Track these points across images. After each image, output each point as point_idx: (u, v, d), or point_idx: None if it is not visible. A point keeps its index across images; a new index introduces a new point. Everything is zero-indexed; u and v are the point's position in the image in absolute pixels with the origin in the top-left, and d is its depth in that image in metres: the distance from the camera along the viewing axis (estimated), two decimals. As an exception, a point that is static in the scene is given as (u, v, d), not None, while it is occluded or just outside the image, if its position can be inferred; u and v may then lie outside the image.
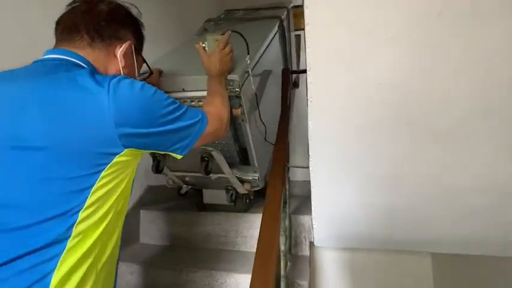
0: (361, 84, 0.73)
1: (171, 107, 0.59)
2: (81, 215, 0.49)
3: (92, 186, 0.50)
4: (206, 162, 1.09)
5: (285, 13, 1.84)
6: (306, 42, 0.65)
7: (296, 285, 1.19)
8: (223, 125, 0.77)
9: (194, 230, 1.53)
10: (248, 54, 0.97)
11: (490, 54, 0.67)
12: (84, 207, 0.49)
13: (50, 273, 0.46)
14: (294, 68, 2.17)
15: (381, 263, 1.80)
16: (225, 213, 1.53)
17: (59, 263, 0.47)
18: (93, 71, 0.57)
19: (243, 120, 1.01)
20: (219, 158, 1.08)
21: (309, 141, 0.87)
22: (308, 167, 1.25)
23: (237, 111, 0.94)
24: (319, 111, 0.79)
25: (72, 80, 0.52)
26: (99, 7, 0.63)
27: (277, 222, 0.80)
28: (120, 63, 0.65)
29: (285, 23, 1.81)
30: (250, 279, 1.25)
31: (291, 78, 1.90)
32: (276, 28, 1.59)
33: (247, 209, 1.51)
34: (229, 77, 0.90)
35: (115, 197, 0.55)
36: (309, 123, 0.82)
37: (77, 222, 0.49)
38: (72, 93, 0.51)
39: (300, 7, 3.14)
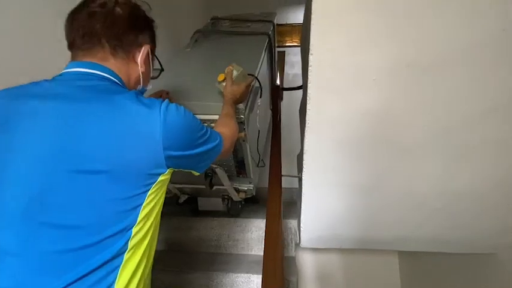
0: (349, 112, 0.90)
1: (202, 131, 0.63)
2: (134, 230, 0.53)
3: (142, 204, 0.54)
4: (210, 178, 1.20)
5: (271, 28, 1.90)
6: (309, 78, 0.81)
7: (286, 281, 1.33)
8: (233, 146, 0.84)
9: (188, 235, 1.61)
10: (260, 97, 1.16)
11: (444, 95, 0.88)
12: (136, 223, 0.53)
13: (111, 284, 0.51)
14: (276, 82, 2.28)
15: (355, 261, 2.00)
16: (218, 218, 1.63)
17: (118, 275, 0.51)
18: (138, 93, 0.58)
19: (244, 140, 1.14)
20: (221, 174, 1.20)
21: (304, 155, 1.02)
22: (297, 176, 1.41)
23: (241, 135, 1.08)
24: (315, 131, 0.95)
25: (123, 104, 0.54)
26: (116, 11, 0.60)
27: (279, 229, 0.94)
28: (140, 68, 0.66)
29: (271, 36, 1.86)
30: (245, 278, 1.37)
31: (281, 93, 2.03)
32: (266, 45, 1.70)
33: (239, 213, 1.63)
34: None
35: (156, 211, 0.59)
36: (305, 139, 0.98)
37: (131, 237, 0.53)
38: (127, 119, 0.53)
39: (284, 26, 3.36)
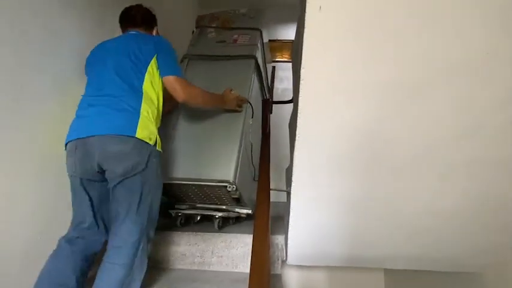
0: (339, 127, 0.90)
1: (175, 53, 1.29)
2: (144, 83, 1.17)
3: (145, 72, 1.19)
4: (218, 220, 1.62)
5: (258, 42, 1.88)
6: (300, 91, 0.81)
7: (272, 301, 1.27)
8: (186, 95, 1.23)
9: (169, 250, 1.53)
10: (252, 117, 1.59)
11: (430, 114, 0.90)
12: (145, 78, 1.18)
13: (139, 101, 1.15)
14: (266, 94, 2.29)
15: (341, 278, 1.96)
16: (202, 233, 1.56)
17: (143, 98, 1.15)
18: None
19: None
20: (224, 215, 1.64)
21: (293, 169, 1.00)
22: (285, 190, 1.38)
23: (235, 195, 1.43)
24: (305, 145, 0.93)
25: (144, 35, 1.33)
26: (142, 10, 1.39)
27: (267, 245, 0.91)
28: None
29: (258, 53, 1.87)
30: (228, 298, 1.29)
31: (271, 107, 2.03)
32: (253, 69, 1.73)
33: (244, 219, 1.82)
34: (226, 177, 1.36)
35: (155, 82, 1.21)
36: (295, 153, 0.96)
37: (144, 83, 1.17)
38: (145, 38, 1.28)
39: (275, 41, 3.42)
